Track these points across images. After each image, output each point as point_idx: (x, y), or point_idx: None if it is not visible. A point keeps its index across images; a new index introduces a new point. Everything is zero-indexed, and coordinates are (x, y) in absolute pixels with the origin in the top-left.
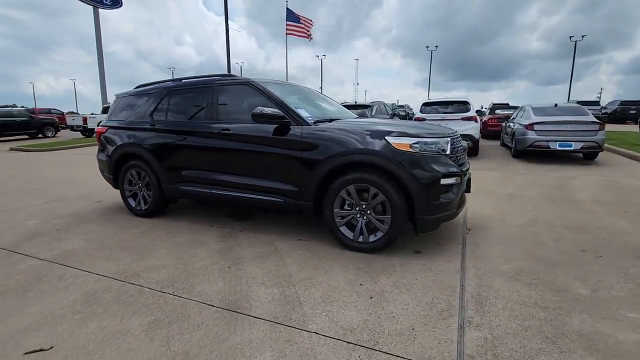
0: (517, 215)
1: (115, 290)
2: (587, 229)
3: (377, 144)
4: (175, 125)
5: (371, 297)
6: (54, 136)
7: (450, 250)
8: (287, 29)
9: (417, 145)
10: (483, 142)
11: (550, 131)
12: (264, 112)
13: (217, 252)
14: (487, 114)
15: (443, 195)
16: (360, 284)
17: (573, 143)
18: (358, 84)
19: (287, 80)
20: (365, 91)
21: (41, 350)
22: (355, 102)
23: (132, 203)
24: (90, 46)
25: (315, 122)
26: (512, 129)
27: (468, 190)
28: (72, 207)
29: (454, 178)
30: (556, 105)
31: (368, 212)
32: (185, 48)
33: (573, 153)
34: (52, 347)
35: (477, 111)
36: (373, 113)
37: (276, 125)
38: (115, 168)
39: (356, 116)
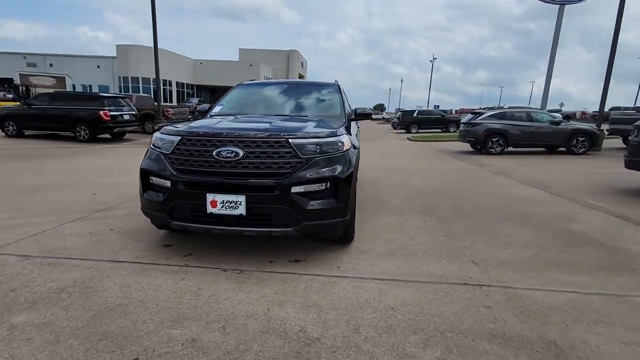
0: None
1: None
2: None
3: None
4: None
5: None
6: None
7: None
8: None
9: (157, 142)
10: None
11: None
12: (197, 106)
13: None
14: None
15: (148, 192)
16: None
17: None
18: None
19: None
20: None
21: None
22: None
23: None
24: (592, 43)
25: (210, 116)
26: None
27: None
28: None
29: (159, 179)
30: None
31: None
32: None
33: None
34: None
35: None
36: None
37: None
38: None
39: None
